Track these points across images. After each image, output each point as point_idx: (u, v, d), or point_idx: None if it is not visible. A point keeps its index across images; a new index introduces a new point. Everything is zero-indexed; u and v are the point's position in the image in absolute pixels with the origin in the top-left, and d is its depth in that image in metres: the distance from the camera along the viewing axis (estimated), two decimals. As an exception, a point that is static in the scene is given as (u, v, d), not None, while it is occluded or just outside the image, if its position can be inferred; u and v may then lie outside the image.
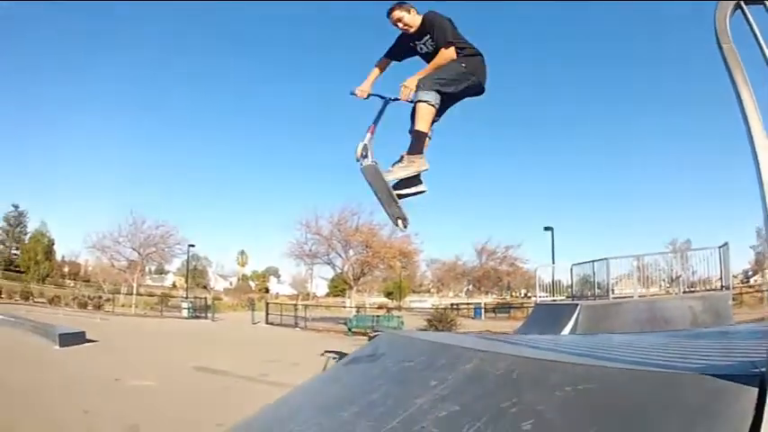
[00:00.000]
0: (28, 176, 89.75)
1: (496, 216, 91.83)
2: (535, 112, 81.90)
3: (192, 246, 45.97)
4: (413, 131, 3.97)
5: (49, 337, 14.50)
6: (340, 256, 42.75)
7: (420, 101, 3.87)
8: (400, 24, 4.18)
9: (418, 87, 3.82)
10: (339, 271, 45.23)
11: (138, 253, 44.21)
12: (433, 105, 3.92)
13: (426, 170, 4.09)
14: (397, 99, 4.00)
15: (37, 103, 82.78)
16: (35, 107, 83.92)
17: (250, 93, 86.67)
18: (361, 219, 41.19)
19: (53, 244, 62.27)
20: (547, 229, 31.60)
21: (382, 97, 4.11)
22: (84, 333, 15.59)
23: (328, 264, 44.23)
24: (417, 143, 4.02)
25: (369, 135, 3.94)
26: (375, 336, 9.36)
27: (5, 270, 56.37)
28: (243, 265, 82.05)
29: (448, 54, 3.96)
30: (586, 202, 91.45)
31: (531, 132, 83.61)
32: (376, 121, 4.04)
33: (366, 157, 3.88)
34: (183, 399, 8.57)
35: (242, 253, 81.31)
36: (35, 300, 34.92)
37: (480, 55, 4.22)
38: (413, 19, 4.21)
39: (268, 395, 7.71)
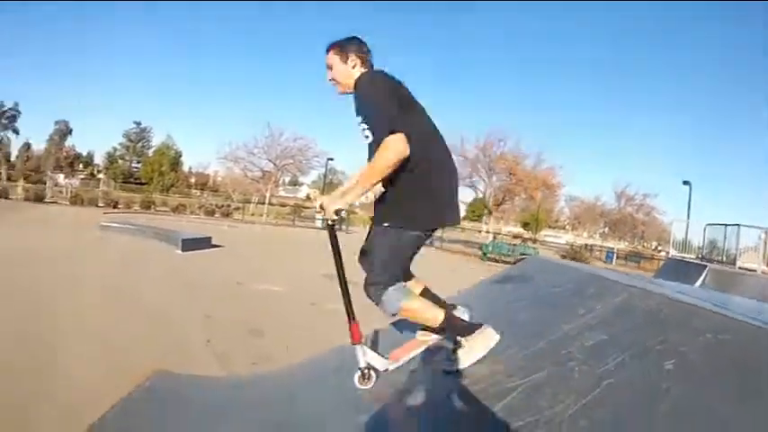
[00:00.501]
0: (154, 95, 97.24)
1: (639, 163, 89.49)
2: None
3: (331, 159, 47.60)
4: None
5: (171, 243, 15.03)
6: (483, 180, 43.56)
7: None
8: (329, 75, 3.03)
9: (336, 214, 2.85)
10: (480, 195, 45.88)
11: (274, 164, 46.46)
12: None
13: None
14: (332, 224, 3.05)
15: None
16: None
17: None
18: (506, 145, 41.47)
19: (180, 156, 67.53)
20: (685, 183, 31.05)
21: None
22: (209, 239, 16.27)
23: (470, 187, 45.44)
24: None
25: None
26: (520, 260, 9.41)
27: (124, 182, 62.04)
28: None
29: (370, 173, 2.68)
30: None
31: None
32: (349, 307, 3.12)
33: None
34: (308, 304, 8.72)
35: None
36: (157, 209, 37.12)
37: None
38: (344, 73, 2.95)
39: None
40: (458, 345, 2.86)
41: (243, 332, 6.86)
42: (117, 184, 58.35)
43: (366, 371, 2.96)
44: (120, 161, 71.65)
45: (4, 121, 70.47)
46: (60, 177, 62.88)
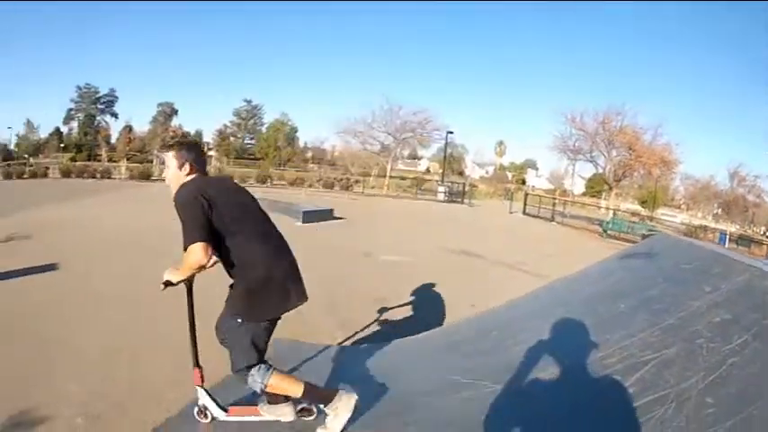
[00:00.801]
0: (265, 73, 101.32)
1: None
2: None
3: (451, 132, 47.28)
4: None
5: (290, 215, 14.98)
6: (603, 154, 42.61)
7: None
8: (164, 172, 3.35)
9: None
10: (600, 171, 45.08)
11: (394, 138, 46.81)
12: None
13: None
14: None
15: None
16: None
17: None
18: (625, 119, 40.52)
19: (296, 131, 69.49)
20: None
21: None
22: (331, 210, 16.51)
23: (590, 161, 45.37)
24: None
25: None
26: (648, 236, 9.27)
27: (237, 158, 64.01)
28: (501, 156, 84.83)
29: (181, 271, 2.98)
30: None
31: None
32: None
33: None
34: (434, 276, 8.70)
35: (500, 143, 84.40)
36: (274, 183, 37.37)
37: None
38: (175, 178, 3.22)
39: (524, 282, 8.23)
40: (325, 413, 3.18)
41: (368, 300, 7.03)
42: (229, 160, 60.66)
43: (204, 409, 3.34)
44: (231, 138, 74.14)
45: (100, 105, 75.40)
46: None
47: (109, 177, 39.33)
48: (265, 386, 3.09)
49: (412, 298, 7.24)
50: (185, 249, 2.84)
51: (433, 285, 8.10)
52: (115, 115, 75.99)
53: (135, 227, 13.59)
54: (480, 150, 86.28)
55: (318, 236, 12.65)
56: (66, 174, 39.86)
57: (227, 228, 2.98)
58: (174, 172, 3.21)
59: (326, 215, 16.01)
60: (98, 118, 75.43)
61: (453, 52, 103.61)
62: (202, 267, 2.90)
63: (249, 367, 3.09)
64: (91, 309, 6.49)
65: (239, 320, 3.07)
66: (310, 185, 36.16)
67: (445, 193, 35.17)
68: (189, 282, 3.19)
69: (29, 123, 75.19)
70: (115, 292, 7.21)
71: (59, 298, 6.85)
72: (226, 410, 3.38)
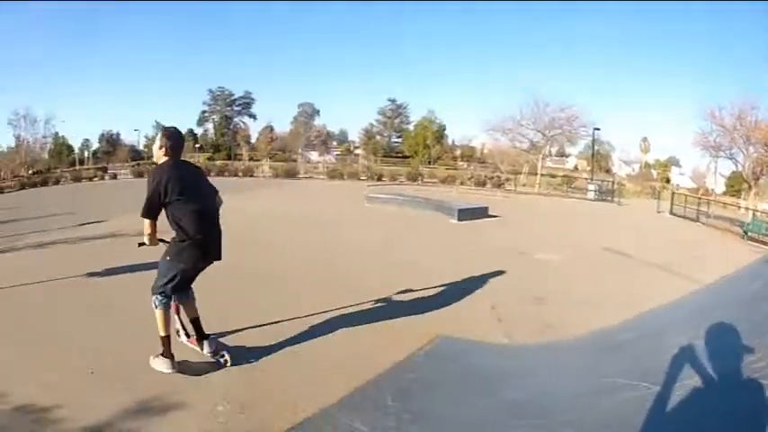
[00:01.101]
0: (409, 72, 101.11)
1: None
2: None
3: (597, 129, 45.86)
4: None
5: (446, 212, 15.49)
6: (742, 151, 39.83)
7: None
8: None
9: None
10: (740, 168, 42.19)
11: (543, 135, 46.11)
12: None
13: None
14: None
15: None
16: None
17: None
18: (759, 114, 37.88)
19: (444, 129, 69.82)
20: None
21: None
22: (486, 208, 16.59)
23: (730, 159, 42.27)
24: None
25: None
26: None
27: (384, 157, 64.60)
28: (645, 153, 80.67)
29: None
30: None
31: None
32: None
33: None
34: (588, 276, 8.82)
35: (644, 140, 79.96)
36: (424, 181, 37.92)
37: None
38: (156, 154, 4.54)
39: (673, 284, 8.14)
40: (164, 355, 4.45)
41: (526, 300, 7.14)
42: (377, 159, 61.73)
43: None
44: (377, 137, 75.62)
45: (236, 107, 79.81)
46: (313, 155, 68.60)
47: (251, 175, 42.06)
48: (155, 307, 4.39)
49: (567, 298, 7.36)
50: (141, 216, 4.22)
51: (587, 285, 8.16)
52: (253, 116, 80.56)
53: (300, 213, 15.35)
54: (625, 147, 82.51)
55: (473, 234, 12.91)
56: (205, 172, 43.13)
57: (178, 199, 4.20)
58: (156, 151, 4.46)
59: (481, 213, 16.15)
60: (235, 119, 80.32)
61: (595, 48, 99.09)
62: (150, 236, 4.25)
63: (159, 292, 4.37)
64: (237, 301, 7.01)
65: (168, 259, 4.33)
66: (462, 183, 36.21)
67: (595, 191, 33.99)
68: (159, 241, 4.41)
69: (158, 125, 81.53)
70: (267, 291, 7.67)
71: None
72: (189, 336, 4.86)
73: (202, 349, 4.70)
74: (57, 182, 45.10)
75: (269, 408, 4.04)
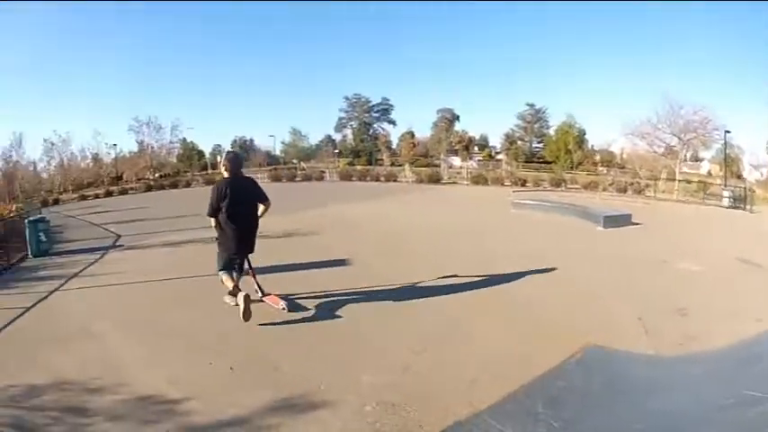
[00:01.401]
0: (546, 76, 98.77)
1: None
2: None
3: (728, 132, 42.78)
4: None
5: (591, 219, 15.54)
6: None
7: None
8: None
9: None
10: None
11: (679, 138, 43.87)
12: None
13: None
14: None
15: None
16: None
17: None
18: None
19: (584, 134, 67.88)
20: None
21: None
22: (629, 216, 16.31)
23: None
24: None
25: None
26: None
27: (526, 162, 63.73)
28: None
29: None
30: None
31: None
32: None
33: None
34: (729, 288, 8.56)
35: None
36: (567, 186, 37.17)
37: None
38: (221, 171, 7.27)
39: None
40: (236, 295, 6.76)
41: (670, 310, 7.19)
42: (518, 164, 60.82)
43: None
44: (518, 142, 74.37)
45: (375, 114, 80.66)
46: (455, 160, 68.31)
47: (394, 180, 42.84)
48: (222, 281, 6.97)
49: (709, 309, 7.32)
50: (207, 215, 6.89)
51: (726, 296, 8.04)
52: (392, 122, 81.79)
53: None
54: (754, 150, 75.49)
55: (618, 241, 13.03)
56: (345, 177, 45.15)
57: (221, 207, 6.61)
58: (221, 169, 6.98)
59: (625, 220, 16.00)
60: (374, 125, 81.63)
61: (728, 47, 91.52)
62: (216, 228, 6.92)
63: (219, 269, 6.99)
64: (391, 306, 7.60)
65: (219, 248, 7.03)
66: (604, 189, 35.19)
67: (729, 197, 32.08)
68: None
69: (294, 131, 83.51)
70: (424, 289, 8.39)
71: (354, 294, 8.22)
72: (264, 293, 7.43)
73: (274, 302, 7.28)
74: (188, 185, 48.27)
75: (418, 409, 4.26)
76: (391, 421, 4.13)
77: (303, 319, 6.90)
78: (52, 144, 63.57)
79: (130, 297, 8.90)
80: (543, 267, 9.66)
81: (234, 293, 6.70)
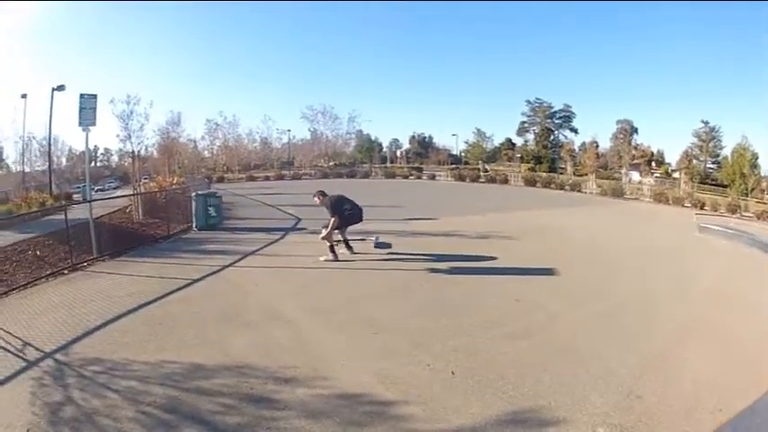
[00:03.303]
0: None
1: None
2: None
3: None
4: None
5: (763, 249, 15.66)
6: None
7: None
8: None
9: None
10: None
11: None
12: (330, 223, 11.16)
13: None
14: None
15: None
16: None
17: None
18: None
19: (757, 158, 64.81)
20: None
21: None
22: None
23: None
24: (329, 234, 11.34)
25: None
26: None
27: (701, 183, 62.39)
28: None
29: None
30: None
31: None
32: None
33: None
34: None
35: None
36: (741, 214, 36.42)
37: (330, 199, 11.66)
38: (318, 203, 11.84)
39: None
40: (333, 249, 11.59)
41: None
42: (694, 185, 59.82)
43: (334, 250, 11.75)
44: (694, 161, 72.13)
45: (557, 120, 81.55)
46: (635, 174, 68.23)
47: (579, 191, 44.67)
48: (322, 238, 11.45)
49: None
50: (331, 216, 11.30)
51: None
52: (575, 130, 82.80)
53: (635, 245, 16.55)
54: None
55: None
56: (530, 182, 47.30)
57: (336, 207, 11.52)
58: (318, 199, 11.80)
59: None
60: (556, 132, 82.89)
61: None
62: (335, 223, 11.19)
63: (324, 227, 11.41)
64: (615, 322, 7.73)
65: (330, 217, 11.32)
66: None
67: None
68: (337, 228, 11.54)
69: (479, 132, 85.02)
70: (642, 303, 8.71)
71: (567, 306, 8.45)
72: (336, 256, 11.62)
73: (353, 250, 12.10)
74: (366, 176, 51.87)
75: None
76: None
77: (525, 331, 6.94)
78: (216, 125, 71.44)
79: (321, 282, 9.36)
80: (740, 301, 9.62)
81: (331, 253, 11.60)
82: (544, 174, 59.39)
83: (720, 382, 5.42)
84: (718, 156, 72.71)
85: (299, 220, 18.04)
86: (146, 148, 49.23)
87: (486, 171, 64.52)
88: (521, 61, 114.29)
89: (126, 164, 66.75)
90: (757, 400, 3.95)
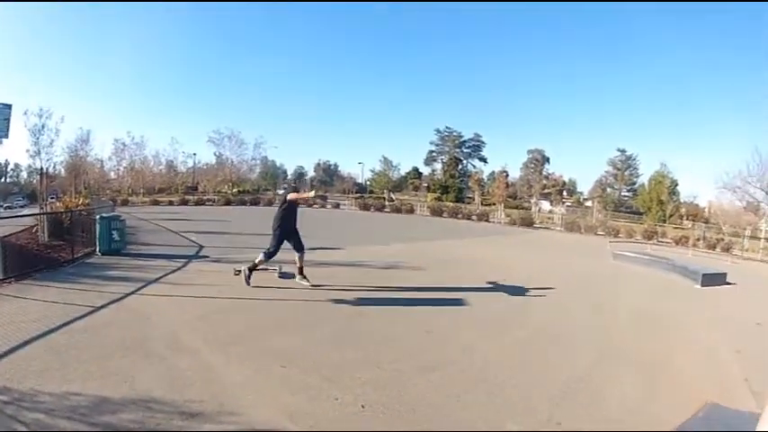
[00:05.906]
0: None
1: None
2: None
3: None
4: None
5: (688, 276, 16.25)
6: None
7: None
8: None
9: None
10: None
11: (766, 193, 43.48)
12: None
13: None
14: None
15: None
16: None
17: None
18: None
19: (676, 185, 67.45)
20: None
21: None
22: (724, 275, 16.47)
23: None
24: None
25: None
26: None
27: (615, 211, 64.33)
28: None
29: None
30: None
31: None
32: None
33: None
34: None
35: None
36: (658, 240, 37.48)
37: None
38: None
39: None
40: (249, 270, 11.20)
41: None
42: (607, 213, 61.18)
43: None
44: (608, 189, 74.95)
45: (466, 150, 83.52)
46: (545, 204, 69.72)
47: (486, 220, 45.03)
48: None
49: None
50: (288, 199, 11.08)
51: None
52: (484, 160, 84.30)
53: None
54: None
55: (716, 301, 13.41)
56: (436, 212, 47.22)
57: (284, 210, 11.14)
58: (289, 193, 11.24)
59: (720, 280, 16.30)
60: (464, 161, 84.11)
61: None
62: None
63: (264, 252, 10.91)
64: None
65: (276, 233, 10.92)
66: (694, 245, 35.56)
67: None
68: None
69: (386, 160, 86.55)
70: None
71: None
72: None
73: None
74: (269, 203, 50.13)
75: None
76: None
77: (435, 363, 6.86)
78: (124, 145, 68.53)
79: (224, 312, 9.12)
80: (658, 325, 10.24)
81: (251, 270, 11.19)
82: (451, 203, 59.63)
83: (645, 407, 5.66)
84: (634, 183, 74.94)
85: (202, 247, 17.68)
86: (54, 166, 48.72)
87: (391, 200, 64.08)
88: (430, 91, 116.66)
89: (34, 181, 64.73)
90: (683, 423, 4.34)
